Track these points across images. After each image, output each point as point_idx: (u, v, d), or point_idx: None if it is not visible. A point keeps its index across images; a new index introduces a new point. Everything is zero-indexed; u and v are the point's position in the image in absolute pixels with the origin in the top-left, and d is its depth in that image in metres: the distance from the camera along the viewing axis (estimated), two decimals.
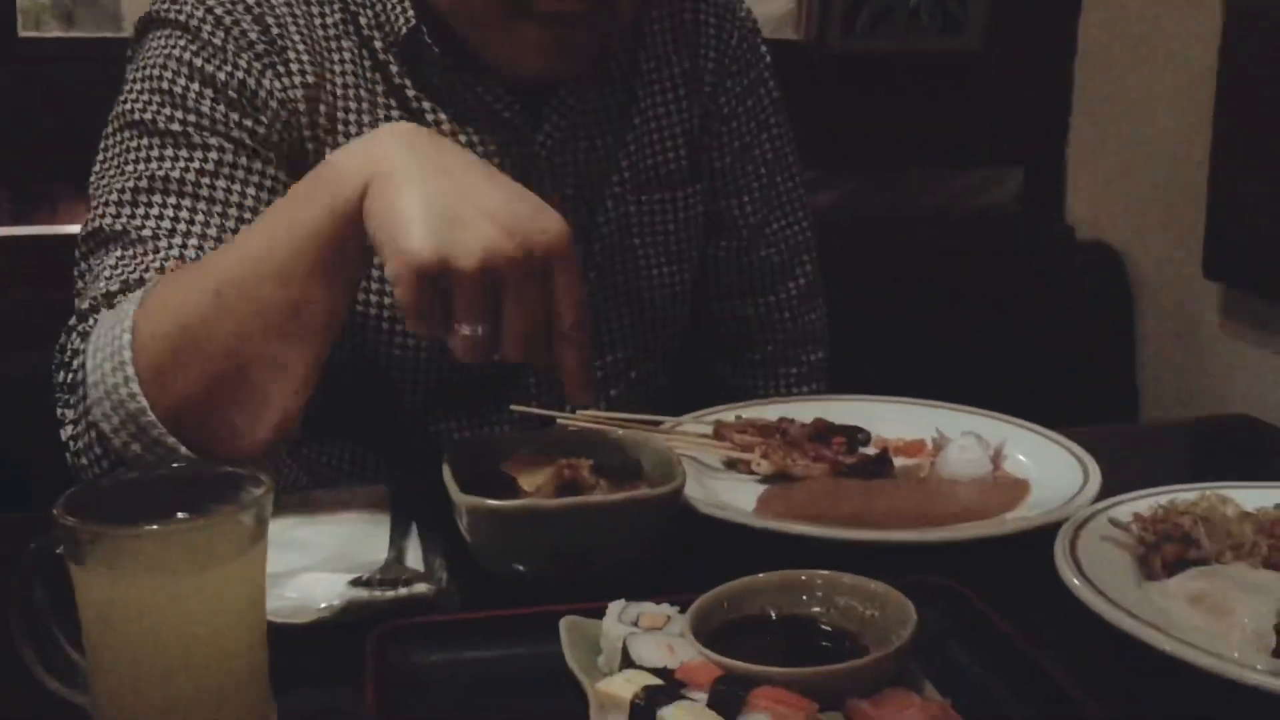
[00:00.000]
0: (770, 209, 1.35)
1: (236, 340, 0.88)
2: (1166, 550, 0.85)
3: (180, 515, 0.66)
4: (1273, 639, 0.74)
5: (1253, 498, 0.93)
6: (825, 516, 0.98)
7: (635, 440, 0.97)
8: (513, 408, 1.10)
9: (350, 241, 0.87)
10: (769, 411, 1.16)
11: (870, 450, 1.11)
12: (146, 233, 1.01)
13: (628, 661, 0.68)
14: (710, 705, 0.63)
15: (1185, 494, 0.93)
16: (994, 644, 0.75)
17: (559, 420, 1.09)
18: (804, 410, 1.17)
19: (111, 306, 0.97)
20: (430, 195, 0.83)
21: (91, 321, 0.97)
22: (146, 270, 0.99)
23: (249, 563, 0.65)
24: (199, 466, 0.69)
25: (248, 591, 0.66)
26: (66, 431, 0.96)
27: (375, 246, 0.84)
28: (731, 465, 1.10)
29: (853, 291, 1.60)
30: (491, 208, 0.82)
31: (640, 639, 0.69)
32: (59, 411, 0.97)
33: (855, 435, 1.13)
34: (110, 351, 0.90)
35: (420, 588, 0.81)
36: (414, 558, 0.87)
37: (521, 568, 0.86)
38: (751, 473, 1.08)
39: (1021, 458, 1.08)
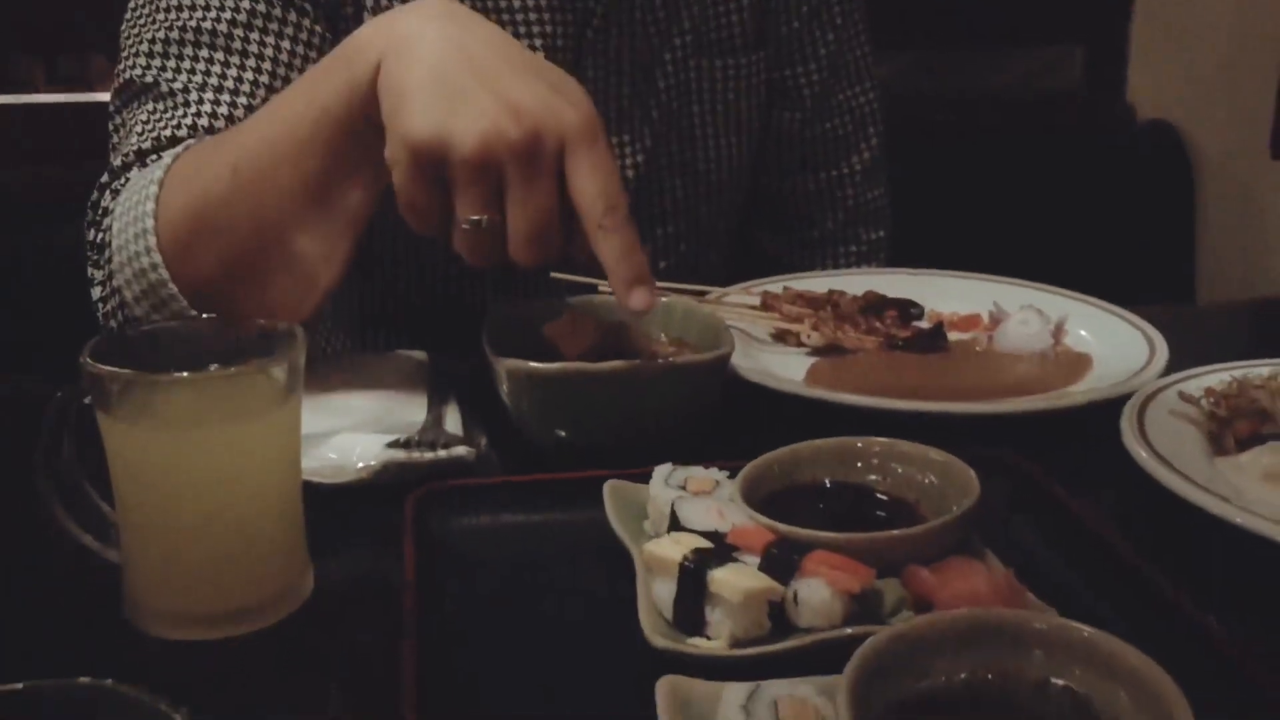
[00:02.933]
0: (837, 78, 1.29)
1: (253, 222, 0.84)
2: (1240, 425, 0.81)
3: (212, 366, 0.63)
4: None
5: None
6: (877, 389, 0.94)
7: (681, 308, 0.94)
8: (553, 275, 1.07)
9: (367, 123, 0.80)
10: (818, 284, 1.12)
11: (923, 324, 1.07)
12: (178, 85, 0.97)
13: (675, 525, 0.65)
14: (762, 569, 0.60)
15: (1258, 369, 0.88)
16: (1058, 518, 0.72)
17: (601, 288, 1.05)
18: (854, 283, 1.13)
19: (144, 164, 0.93)
20: (438, 71, 0.75)
21: (123, 180, 0.94)
22: (179, 127, 0.95)
23: (282, 417, 0.63)
24: (232, 319, 0.66)
25: (281, 446, 0.64)
26: (96, 292, 0.93)
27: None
28: (779, 338, 1.06)
29: (907, 171, 1.54)
30: (504, 85, 0.74)
31: (688, 502, 0.66)
32: (89, 271, 0.94)
33: (908, 309, 1.09)
34: (134, 218, 0.87)
35: (460, 450, 0.78)
36: (453, 423, 0.85)
37: (564, 434, 0.83)
38: (800, 345, 1.04)
39: (1083, 333, 1.03)
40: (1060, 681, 0.51)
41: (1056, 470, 0.77)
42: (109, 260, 0.90)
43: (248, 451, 0.62)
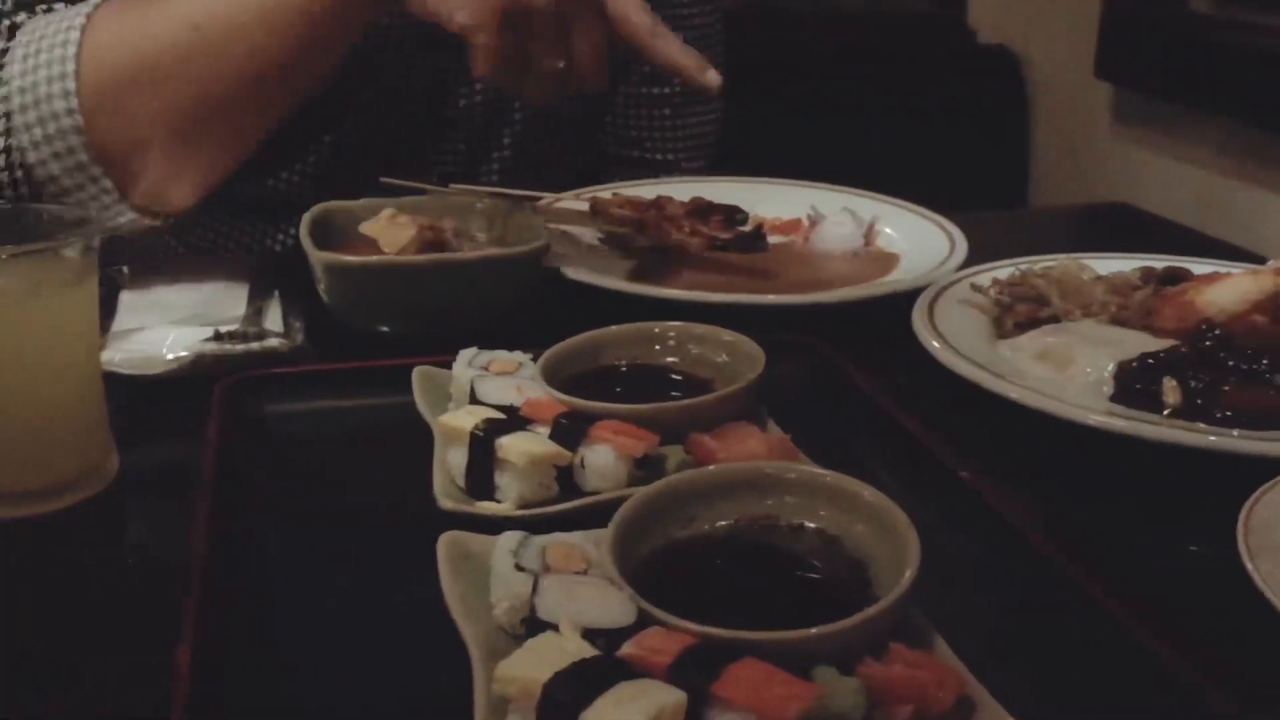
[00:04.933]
0: None
1: (207, 83, 0.85)
2: (1019, 310, 0.86)
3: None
4: (1111, 386, 0.76)
5: (1111, 265, 0.94)
6: (699, 287, 0.98)
7: (501, 209, 0.95)
8: (383, 181, 1.07)
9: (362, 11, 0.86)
10: (647, 191, 1.15)
11: (746, 228, 1.11)
12: None
13: (474, 402, 0.68)
14: (552, 438, 0.63)
15: (1044, 262, 0.94)
16: (844, 392, 0.77)
17: (428, 191, 1.06)
18: (683, 190, 1.16)
19: (33, 9, 0.90)
20: None
21: (20, 17, 0.89)
22: None
23: (77, 297, 0.63)
24: (26, 207, 0.66)
25: (77, 327, 0.64)
26: None
27: (427, 6, 0.83)
28: (607, 241, 1.09)
29: (752, 90, 1.57)
30: None
31: (488, 380, 0.69)
32: None
33: (734, 214, 1.12)
34: (48, 59, 0.84)
35: (273, 342, 0.80)
36: (273, 318, 0.86)
37: (382, 326, 0.85)
38: (626, 247, 1.07)
39: (894, 233, 1.08)
40: (812, 524, 0.56)
41: (860, 356, 0.82)
42: (2, 98, 0.86)
43: (42, 331, 0.62)
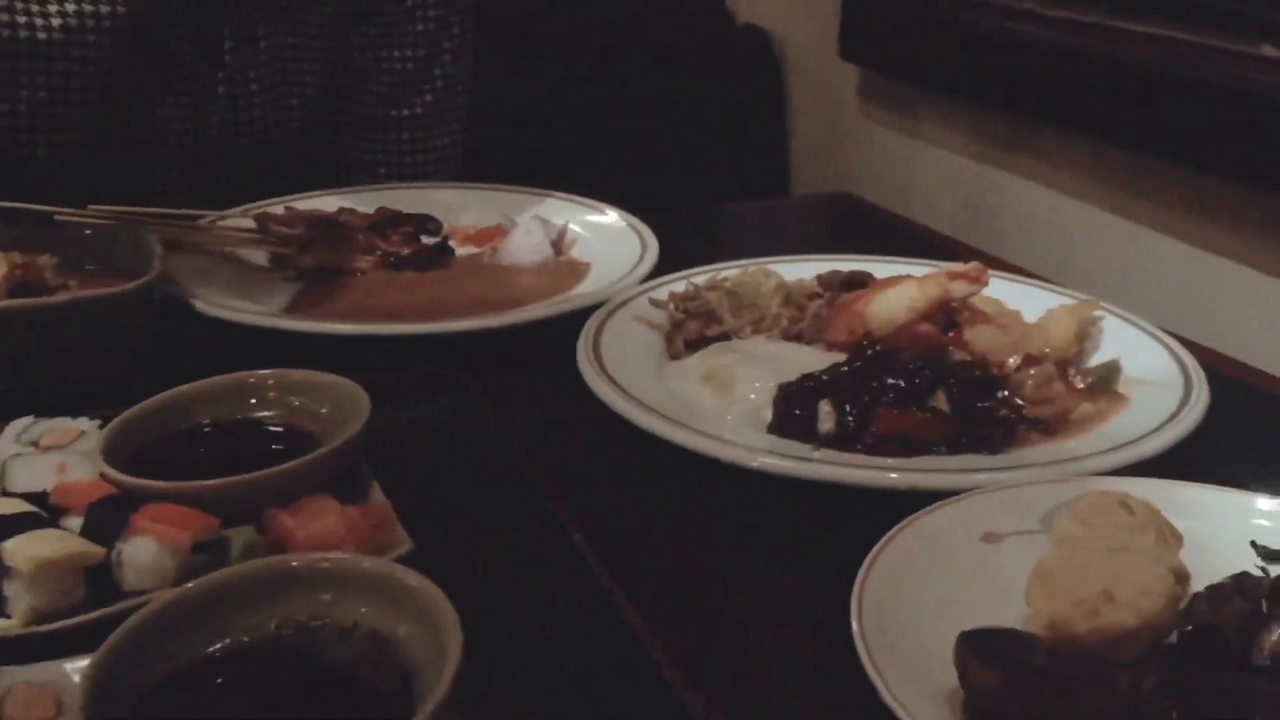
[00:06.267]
0: None
1: None
2: (689, 327, 0.80)
3: None
4: (769, 413, 0.70)
5: (801, 270, 0.89)
6: (369, 312, 0.89)
7: (124, 238, 0.84)
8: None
9: None
10: (328, 202, 1.05)
11: (432, 240, 1.02)
12: None
13: (5, 492, 0.57)
14: (84, 532, 0.53)
15: (729, 270, 0.88)
16: (478, 437, 0.69)
17: (58, 216, 0.93)
18: (371, 200, 1.06)
19: None
20: None
21: None
22: None
23: None
24: None
25: None
26: None
27: None
28: (279, 262, 0.98)
29: (496, 73, 1.49)
30: None
31: (24, 461, 0.58)
32: None
33: (425, 224, 1.04)
34: None
35: None
36: None
37: None
38: (296, 269, 0.97)
39: (588, 237, 1.01)
40: (361, 625, 0.47)
41: (530, 386, 0.74)
42: None
43: None
